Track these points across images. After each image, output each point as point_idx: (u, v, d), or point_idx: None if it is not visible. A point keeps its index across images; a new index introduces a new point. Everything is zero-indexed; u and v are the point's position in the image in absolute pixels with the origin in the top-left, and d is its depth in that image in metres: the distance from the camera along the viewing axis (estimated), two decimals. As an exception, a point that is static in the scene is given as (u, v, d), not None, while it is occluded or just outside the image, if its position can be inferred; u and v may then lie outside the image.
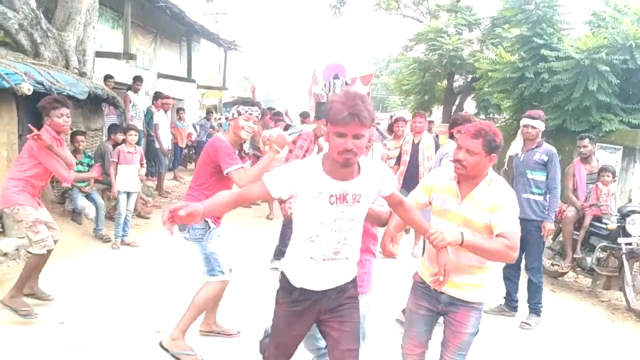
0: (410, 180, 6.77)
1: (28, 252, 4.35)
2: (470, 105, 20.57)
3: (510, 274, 5.18)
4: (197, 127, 13.76)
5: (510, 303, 5.26)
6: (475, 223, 2.63)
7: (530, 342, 4.66)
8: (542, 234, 4.92)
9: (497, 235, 2.56)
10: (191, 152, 14.05)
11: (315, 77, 19.64)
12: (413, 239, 7.32)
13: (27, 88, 5.43)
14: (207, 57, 21.32)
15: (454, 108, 19.44)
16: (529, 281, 5.09)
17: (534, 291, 5.06)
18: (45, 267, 4.46)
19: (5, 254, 5.24)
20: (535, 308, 5.04)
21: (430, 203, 2.85)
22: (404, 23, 22.33)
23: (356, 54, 69.00)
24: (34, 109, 6.17)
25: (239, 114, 3.72)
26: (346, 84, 18.19)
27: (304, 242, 2.38)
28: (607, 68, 8.36)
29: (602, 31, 8.93)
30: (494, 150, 2.59)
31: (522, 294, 5.17)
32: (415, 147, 6.98)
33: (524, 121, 5.09)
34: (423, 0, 20.53)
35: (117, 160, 6.75)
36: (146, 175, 8.14)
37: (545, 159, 4.91)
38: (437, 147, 6.90)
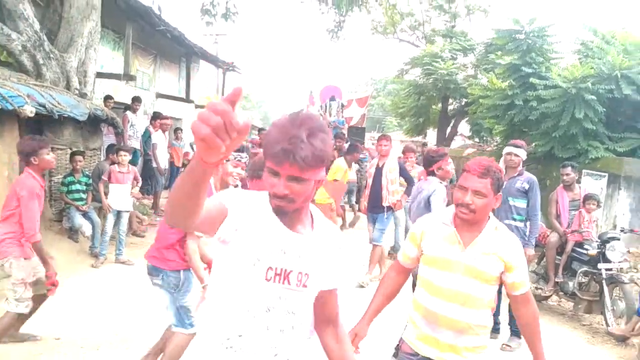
0: (373, 204, 6.99)
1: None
2: (464, 128, 20.90)
3: None
4: (194, 147, 13.97)
5: (493, 325, 5.41)
6: (482, 274, 2.37)
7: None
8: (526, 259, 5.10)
9: (517, 296, 2.44)
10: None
11: (312, 98, 19.96)
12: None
13: (29, 110, 5.64)
14: (205, 77, 21.66)
15: (448, 130, 19.77)
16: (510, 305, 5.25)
17: (511, 313, 5.22)
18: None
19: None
20: (516, 330, 5.18)
21: (421, 254, 2.53)
22: (401, 47, 22.71)
23: (353, 75, 69.87)
24: (35, 130, 6.42)
25: (227, 160, 3.69)
26: (342, 105, 18.51)
27: (218, 347, 1.66)
28: (594, 97, 8.62)
29: (590, 61, 9.23)
30: (500, 189, 2.37)
31: (504, 316, 5.34)
32: (378, 170, 7.00)
33: (507, 149, 5.31)
34: (419, 25, 20.97)
35: (106, 179, 6.95)
36: (143, 193, 8.32)
37: (527, 187, 5.12)
38: (402, 169, 7.10)
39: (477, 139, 18.50)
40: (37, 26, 8.08)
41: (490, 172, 2.30)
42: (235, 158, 3.76)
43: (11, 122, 5.91)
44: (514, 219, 5.17)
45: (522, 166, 5.32)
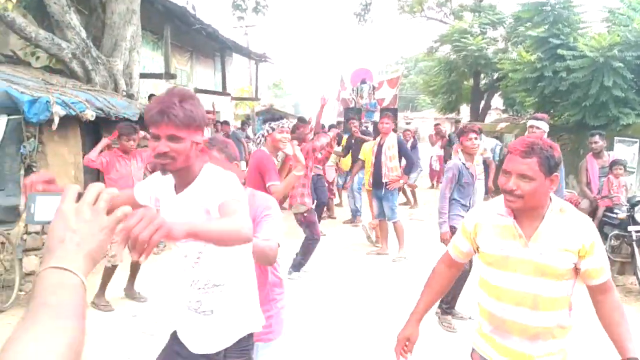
0: (375, 181, 7.30)
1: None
2: (497, 102, 20.88)
3: None
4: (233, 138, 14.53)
5: None
6: (553, 270, 2.03)
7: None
8: None
9: (597, 287, 2.11)
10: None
11: (343, 83, 20.23)
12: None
13: (90, 114, 6.21)
14: (239, 69, 22.27)
15: (481, 105, 19.80)
16: None
17: None
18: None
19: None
20: None
21: (477, 251, 2.25)
22: (429, 25, 22.71)
23: (383, 55, 69.48)
24: (93, 131, 7.02)
25: (273, 129, 4.37)
26: (373, 88, 18.73)
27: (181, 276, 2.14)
28: (621, 64, 8.73)
29: (616, 29, 9.31)
30: (554, 169, 2.00)
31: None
32: (379, 148, 7.28)
33: (529, 122, 5.62)
34: (446, 2, 20.94)
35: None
36: None
37: None
38: (401, 146, 7.32)
39: (510, 113, 18.52)
40: (83, 34, 8.67)
41: (535, 150, 1.97)
42: (279, 125, 4.35)
43: (73, 125, 6.50)
44: None
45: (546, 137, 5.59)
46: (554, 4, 10.29)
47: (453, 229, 4.76)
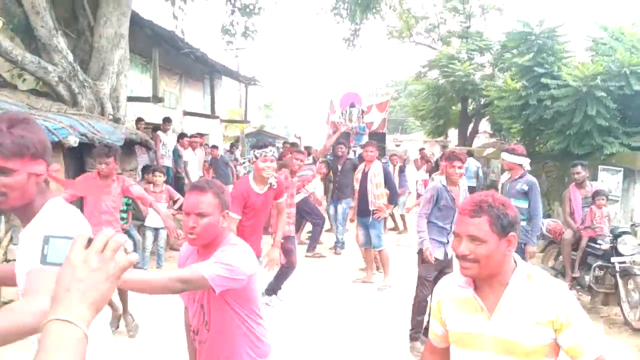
0: (361, 208, 7.27)
1: None
2: (485, 126, 21.08)
3: None
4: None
5: None
6: (521, 347, 1.77)
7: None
8: (525, 255, 5.46)
9: None
10: (216, 184, 14.78)
11: (333, 106, 20.33)
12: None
13: (73, 140, 6.17)
14: (229, 91, 22.35)
15: (469, 130, 19.99)
16: None
17: None
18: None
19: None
20: None
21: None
22: (418, 50, 22.98)
23: (373, 78, 70.11)
24: (76, 156, 6.98)
25: (256, 157, 4.29)
26: (362, 111, 18.84)
27: None
28: (604, 94, 8.85)
29: (600, 58, 9.45)
30: (509, 229, 1.77)
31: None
32: (364, 175, 7.24)
33: (502, 155, 5.74)
34: (434, 28, 21.24)
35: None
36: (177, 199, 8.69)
37: (526, 188, 5.52)
38: (386, 175, 7.30)
39: (498, 137, 18.69)
40: (70, 57, 8.65)
41: (483, 208, 1.75)
42: (262, 154, 4.24)
43: (57, 151, 6.43)
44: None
45: (523, 170, 5.64)
46: (538, 33, 10.46)
47: (421, 254, 4.90)
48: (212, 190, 2.25)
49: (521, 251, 5.46)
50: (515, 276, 1.81)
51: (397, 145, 40.55)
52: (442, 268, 4.92)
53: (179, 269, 2.23)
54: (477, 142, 21.06)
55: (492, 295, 1.83)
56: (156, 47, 10.84)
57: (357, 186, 7.41)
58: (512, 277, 1.81)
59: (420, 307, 4.92)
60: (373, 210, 7.13)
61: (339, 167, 9.21)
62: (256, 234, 4.51)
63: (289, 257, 6.06)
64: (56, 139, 5.97)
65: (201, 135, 11.19)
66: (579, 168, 6.74)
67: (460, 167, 4.80)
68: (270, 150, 4.30)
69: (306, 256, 7.98)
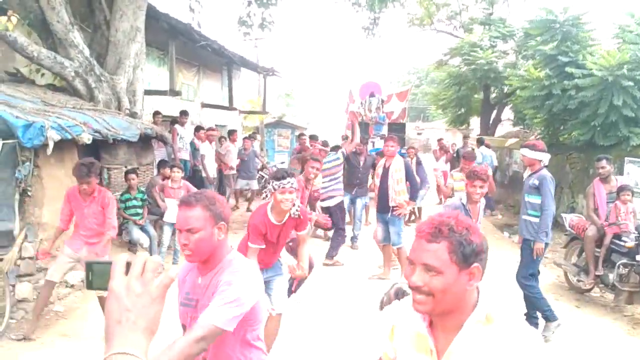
0: (381, 204, 7.12)
1: None
2: (508, 115, 20.66)
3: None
4: (241, 152, 14.44)
5: (531, 320, 5.59)
6: None
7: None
8: (534, 252, 5.30)
9: None
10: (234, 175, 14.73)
11: (352, 96, 20.15)
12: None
13: (87, 138, 6.17)
14: (248, 81, 22.25)
15: (491, 119, 19.61)
16: (524, 296, 5.47)
17: (535, 303, 5.41)
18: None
19: (72, 286, 5.95)
20: (545, 317, 5.37)
21: None
22: (439, 37, 22.62)
23: (393, 66, 69.35)
24: (92, 152, 6.97)
25: (274, 189, 4.01)
26: (382, 101, 18.64)
27: None
28: (631, 83, 8.54)
29: (626, 47, 9.12)
30: (473, 259, 1.48)
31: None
32: (385, 171, 7.10)
33: (521, 150, 5.56)
34: (456, 15, 20.81)
35: (158, 191, 7.47)
36: None
37: (537, 183, 5.31)
38: (407, 170, 7.13)
39: (521, 126, 18.29)
40: (87, 52, 8.66)
41: (443, 232, 1.48)
42: (280, 186, 3.97)
43: (70, 148, 6.46)
44: (529, 214, 5.41)
45: (541, 165, 5.42)
46: (562, 21, 10.12)
47: None
48: (201, 203, 2.16)
49: (530, 249, 5.31)
50: (472, 318, 1.51)
51: (418, 134, 40.19)
52: None
53: (189, 331, 2.05)
54: (500, 130, 20.67)
55: (445, 337, 1.55)
56: (173, 40, 10.80)
57: (377, 182, 7.27)
58: (469, 317, 1.52)
59: None
60: (393, 207, 7.01)
61: (361, 163, 9.01)
62: (273, 257, 4.36)
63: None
64: (69, 137, 5.96)
65: (215, 128, 11.09)
66: (604, 162, 6.51)
67: (481, 187, 4.63)
68: (289, 182, 4.01)
69: (324, 264, 7.81)
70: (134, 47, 9.27)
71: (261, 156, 14.19)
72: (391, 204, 7.00)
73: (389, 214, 7.04)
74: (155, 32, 10.61)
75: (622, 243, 6.22)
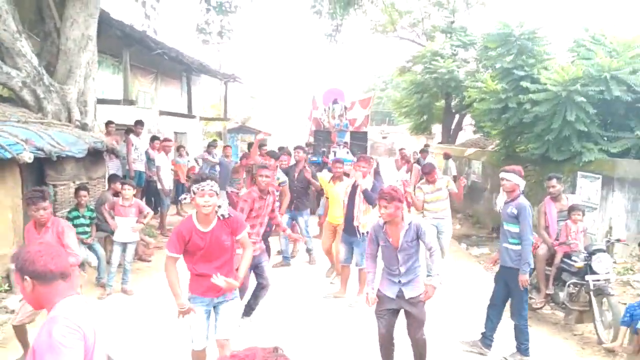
0: (347, 224, 6.90)
1: None
2: (470, 121, 20.91)
3: (492, 314, 5.55)
4: (200, 160, 14.20)
5: (485, 341, 5.60)
6: None
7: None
8: (520, 284, 5.26)
9: None
10: (195, 184, 14.49)
11: (315, 102, 20.08)
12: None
13: (27, 157, 5.90)
14: (210, 87, 21.92)
15: (453, 126, 19.83)
16: (514, 324, 5.43)
17: (518, 333, 5.39)
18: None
19: (12, 311, 5.68)
20: (519, 347, 5.39)
21: None
22: (402, 44, 22.74)
23: (357, 72, 69.48)
24: (36, 169, 6.70)
25: (194, 193, 3.89)
26: (345, 108, 18.63)
27: None
28: (584, 99, 8.66)
29: (580, 62, 9.27)
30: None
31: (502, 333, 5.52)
32: (354, 190, 6.89)
33: (500, 174, 5.47)
34: (418, 23, 20.98)
35: (108, 209, 7.22)
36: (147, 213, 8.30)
37: (515, 212, 5.26)
38: (375, 188, 7.01)
39: (482, 134, 18.54)
40: (35, 61, 8.33)
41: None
42: (198, 189, 3.88)
43: (12, 166, 6.19)
44: (509, 242, 5.38)
45: (519, 192, 5.37)
46: (518, 35, 10.23)
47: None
48: (13, 259, 2.28)
49: (516, 280, 5.27)
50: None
51: (383, 138, 40.35)
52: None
53: None
54: (462, 137, 20.91)
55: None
56: (127, 48, 10.54)
57: (345, 200, 7.03)
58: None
59: (382, 348, 4.77)
60: (357, 226, 6.81)
61: (295, 175, 8.66)
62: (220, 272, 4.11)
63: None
64: (9, 156, 5.70)
65: (167, 139, 10.82)
66: (554, 181, 6.56)
67: (385, 207, 4.31)
68: (208, 184, 3.88)
69: (273, 266, 7.74)
70: (86, 55, 8.98)
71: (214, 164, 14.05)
72: (355, 223, 6.81)
73: (356, 236, 6.81)
74: (110, 39, 10.33)
75: (572, 262, 6.27)
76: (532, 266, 5.42)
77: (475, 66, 17.99)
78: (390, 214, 4.32)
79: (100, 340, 2.26)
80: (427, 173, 7.94)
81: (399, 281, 4.55)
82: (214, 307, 4.20)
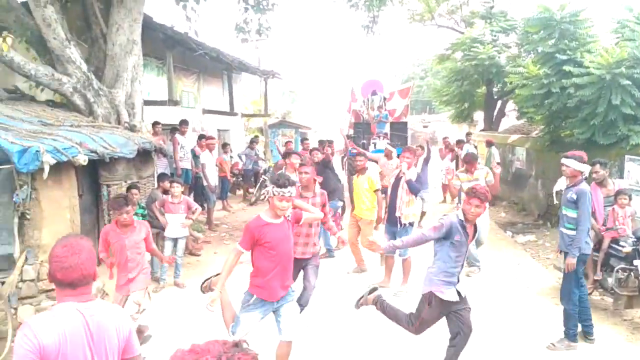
0: (390, 215, 7.00)
1: None
2: (513, 107, 20.53)
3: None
4: (243, 157, 14.52)
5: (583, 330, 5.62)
6: None
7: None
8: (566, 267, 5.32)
9: None
10: (239, 180, 14.82)
11: (354, 94, 20.11)
12: None
13: (82, 159, 6.21)
14: (251, 83, 22.25)
15: (495, 112, 19.50)
16: (563, 308, 5.49)
17: (566, 318, 5.43)
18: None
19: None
20: (567, 333, 5.42)
21: None
22: (440, 32, 22.48)
23: (397, 60, 68.76)
24: (91, 170, 7.03)
25: (274, 194, 4.14)
26: (384, 99, 18.59)
27: None
28: (629, 82, 8.46)
29: (624, 43, 9.03)
30: None
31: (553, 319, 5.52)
32: (397, 181, 6.99)
33: (561, 160, 5.57)
34: (457, 9, 20.68)
35: (158, 207, 7.52)
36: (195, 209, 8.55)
37: (575, 197, 5.27)
38: (419, 179, 7.05)
39: (526, 119, 18.19)
40: (84, 67, 8.71)
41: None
42: (279, 194, 4.12)
43: (68, 168, 6.50)
44: (565, 227, 5.44)
45: (582, 177, 5.41)
46: (559, 19, 10.02)
47: (431, 297, 4.43)
48: None
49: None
50: None
51: (424, 127, 39.95)
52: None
53: None
54: (505, 123, 20.56)
55: None
56: (170, 50, 10.85)
57: (389, 191, 7.19)
58: None
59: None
60: (399, 217, 6.91)
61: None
62: (281, 280, 4.35)
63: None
64: (65, 159, 6.01)
65: (211, 137, 11.13)
66: (597, 167, 6.48)
67: (477, 206, 4.33)
68: (289, 191, 4.15)
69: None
70: (131, 59, 9.31)
71: (256, 159, 14.35)
72: (397, 214, 6.91)
73: (398, 227, 6.91)
74: (153, 42, 10.67)
75: (620, 248, 6.19)
76: (586, 252, 5.37)
77: (517, 51, 17.63)
78: (479, 213, 4.38)
79: (77, 349, 2.24)
80: (468, 162, 7.93)
81: (458, 280, 4.49)
82: (274, 311, 4.38)
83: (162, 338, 5.61)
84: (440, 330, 4.71)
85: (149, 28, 10.13)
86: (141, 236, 5.40)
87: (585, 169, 5.43)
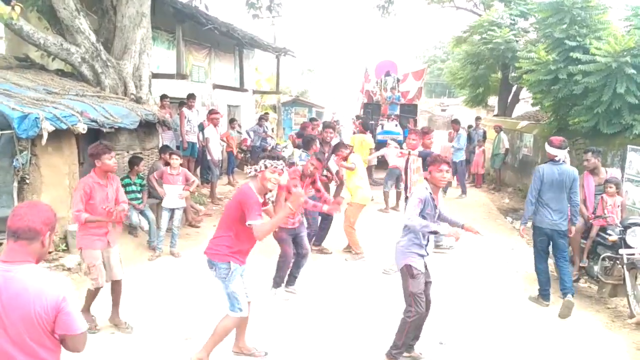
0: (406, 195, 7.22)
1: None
2: (527, 94, 20.28)
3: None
4: (251, 133, 14.62)
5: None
6: None
7: (515, 344, 5.11)
8: None
9: None
10: (247, 156, 14.94)
11: (368, 75, 20.06)
12: None
13: (81, 127, 6.39)
14: (266, 60, 22.25)
15: (509, 98, 19.30)
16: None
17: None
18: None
19: (68, 269, 6.25)
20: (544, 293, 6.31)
21: None
22: (459, 15, 22.18)
23: (416, 42, 67.72)
24: (93, 139, 7.20)
25: (266, 167, 4.17)
26: (398, 80, 18.51)
27: None
28: (634, 71, 8.37)
29: (634, 31, 8.91)
30: None
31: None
32: (406, 163, 7.28)
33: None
34: (476, -9, 20.39)
35: (158, 178, 7.68)
36: (200, 182, 8.70)
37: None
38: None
39: (539, 106, 17.98)
40: (93, 38, 8.86)
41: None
42: (272, 165, 4.18)
43: (68, 137, 6.70)
44: None
45: (559, 160, 5.98)
46: (571, 4, 9.88)
47: (410, 269, 4.48)
48: None
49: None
50: None
51: (442, 110, 39.62)
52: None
53: None
54: (519, 109, 20.35)
55: None
56: (180, 24, 10.93)
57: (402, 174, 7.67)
58: None
59: (414, 325, 4.54)
60: (408, 197, 7.02)
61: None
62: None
63: (281, 247, 6.10)
64: (64, 127, 6.19)
65: (215, 112, 11.21)
66: (588, 155, 6.50)
67: (447, 171, 4.44)
68: (281, 164, 4.22)
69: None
70: (140, 32, 9.42)
71: (265, 136, 14.46)
72: (408, 194, 7.00)
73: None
74: (164, 15, 10.76)
75: (607, 236, 6.22)
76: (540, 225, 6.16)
77: (536, 35, 17.36)
78: (450, 178, 4.73)
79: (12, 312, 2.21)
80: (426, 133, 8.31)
81: (427, 253, 4.61)
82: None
83: (154, 306, 5.80)
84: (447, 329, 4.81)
85: (159, 1, 10.23)
86: (117, 184, 5.20)
87: (559, 153, 5.80)
